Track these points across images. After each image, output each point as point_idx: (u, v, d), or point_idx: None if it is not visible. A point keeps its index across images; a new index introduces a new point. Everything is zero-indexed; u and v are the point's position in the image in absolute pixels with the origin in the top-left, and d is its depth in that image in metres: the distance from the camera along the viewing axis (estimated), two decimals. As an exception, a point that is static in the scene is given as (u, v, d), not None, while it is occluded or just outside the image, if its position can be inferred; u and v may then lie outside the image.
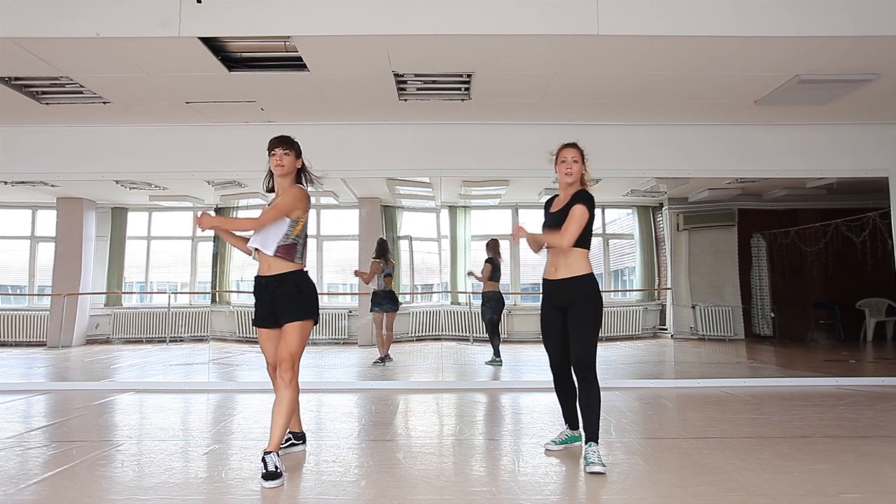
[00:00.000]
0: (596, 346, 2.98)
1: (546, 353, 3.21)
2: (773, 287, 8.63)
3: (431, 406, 4.55)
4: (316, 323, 2.97)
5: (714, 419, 3.92)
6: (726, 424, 3.75)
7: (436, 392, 5.06)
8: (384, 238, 7.30)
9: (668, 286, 8.72)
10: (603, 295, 3.14)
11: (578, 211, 3.00)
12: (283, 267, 2.93)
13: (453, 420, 4.12)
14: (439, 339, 7.45)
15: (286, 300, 2.89)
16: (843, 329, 8.65)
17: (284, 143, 2.98)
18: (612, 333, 8.74)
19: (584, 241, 3.05)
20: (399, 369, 6.64)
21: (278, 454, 2.70)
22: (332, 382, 5.62)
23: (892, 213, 5.63)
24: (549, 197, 3.30)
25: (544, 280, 3.17)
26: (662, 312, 9.02)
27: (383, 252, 6.99)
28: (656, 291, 9.03)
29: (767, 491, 2.47)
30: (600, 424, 2.97)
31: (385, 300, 6.86)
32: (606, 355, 7.79)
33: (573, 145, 3.13)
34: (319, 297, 3.02)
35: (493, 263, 6.88)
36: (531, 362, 6.39)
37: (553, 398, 4.53)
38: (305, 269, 3.02)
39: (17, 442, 3.40)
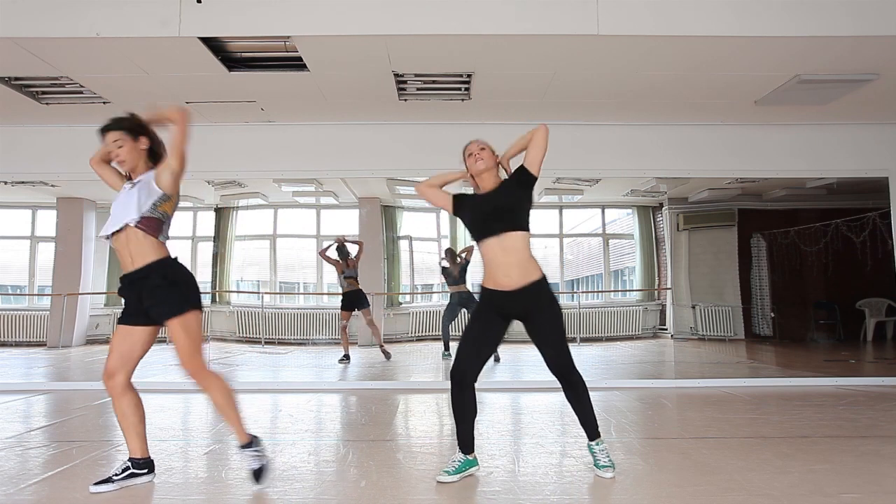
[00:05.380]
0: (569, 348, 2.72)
1: (456, 357, 2.70)
2: (773, 287, 8.63)
3: (431, 406, 4.55)
4: (201, 311, 2.56)
5: (714, 419, 3.92)
6: (726, 424, 3.75)
7: (436, 392, 5.06)
8: (343, 243, 7.48)
9: (668, 286, 8.72)
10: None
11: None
12: (146, 255, 2.48)
13: (453, 420, 4.11)
14: (439, 339, 7.45)
15: (156, 295, 2.47)
16: (843, 329, 8.65)
17: (117, 128, 2.68)
18: (612, 333, 8.73)
19: (528, 223, 2.72)
20: (399, 369, 6.64)
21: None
22: (331, 382, 5.63)
23: (892, 213, 5.62)
24: (462, 192, 2.92)
25: (490, 290, 2.68)
26: (662, 312, 9.02)
27: (343, 254, 7.34)
28: (656, 291, 9.02)
29: (767, 491, 2.47)
30: (599, 424, 2.91)
31: (359, 299, 7.20)
32: (607, 355, 7.78)
33: (475, 140, 2.93)
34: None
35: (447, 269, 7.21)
36: (531, 362, 6.38)
37: (552, 398, 4.57)
38: (175, 256, 2.59)
39: (17, 442, 3.40)
